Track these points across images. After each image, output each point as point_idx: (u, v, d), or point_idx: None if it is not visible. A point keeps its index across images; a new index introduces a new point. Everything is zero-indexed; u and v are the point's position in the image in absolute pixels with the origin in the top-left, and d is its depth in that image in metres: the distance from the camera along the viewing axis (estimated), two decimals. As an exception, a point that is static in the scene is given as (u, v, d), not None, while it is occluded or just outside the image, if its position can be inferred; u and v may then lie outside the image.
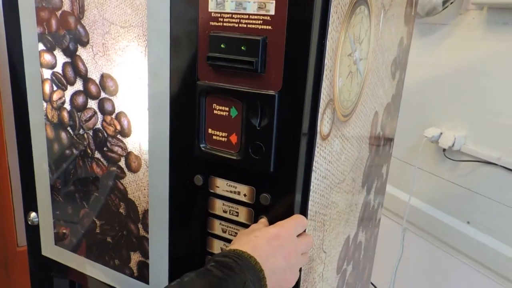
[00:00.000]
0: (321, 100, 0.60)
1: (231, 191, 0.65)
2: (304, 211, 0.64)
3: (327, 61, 0.59)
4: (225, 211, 0.67)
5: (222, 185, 0.66)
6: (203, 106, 0.64)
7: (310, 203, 0.64)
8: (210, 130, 0.65)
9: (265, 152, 0.60)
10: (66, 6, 0.72)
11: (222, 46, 0.59)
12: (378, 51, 0.81)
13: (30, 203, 0.89)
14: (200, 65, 0.62)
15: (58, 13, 0.73)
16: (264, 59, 0.57)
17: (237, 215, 0.66)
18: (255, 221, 0.65)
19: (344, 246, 0.90)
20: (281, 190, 0.62)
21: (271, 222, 0.63)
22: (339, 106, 0.68)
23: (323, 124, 0.63)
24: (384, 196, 1.29)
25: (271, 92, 0.58)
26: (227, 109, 0.62)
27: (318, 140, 0.62)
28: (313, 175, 0.63)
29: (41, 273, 0.94)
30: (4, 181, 1.69)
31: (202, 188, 0.68)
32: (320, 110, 0.60)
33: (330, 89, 0.62)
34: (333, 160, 0.71)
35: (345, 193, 0.82)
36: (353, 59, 0.70)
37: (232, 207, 0.66)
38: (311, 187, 0.63)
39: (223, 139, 0.64)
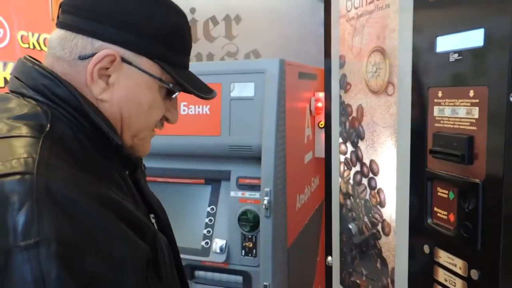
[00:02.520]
0: (531, 191, 0.65)
1: (449, 263, 0.76)
2: (517, 296, 0.67)
3: (536, 155, 0.64)
4: (445, 280, 0.78)
5: (443, 256, 0.78)
6: (430, 189, 0.80)
7: (525, 290, 0.66)
8: (435, 208, 0.79)
9: (472, 232, 0.70)
10: (354, 113, 1.06)
11: (441, 142, 0.76)
12: None
13: (328, 249, 1.24)
14: (428, 156, 0.80)
15: (350, 118, 1.08)
16: (471, 153, 0.70)
17: (455, 286, 0.75)
18: (468, 293, 0.72)
19: None
20: (488, 267, 0.68)
21: (481, 298, 0.70)
22: None
23: (540, 215, 0.65)
24: None
25: (476, 181, 0.69)
26: (446, 192, 0.76)
27: (532, 229, 0.65)
28: (528, 262, 0.66)
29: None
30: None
31: (429, 256, 0.81)
32: (530, 200, 0.65)
33: (547, 181, 0.65)
34: None
35: None
36: None
37: (450, 277, 0.76)
38: (525, 274, 0.66)
39: (444, 216, 0.77)
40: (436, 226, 0.79)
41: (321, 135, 1.96)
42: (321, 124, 1.95)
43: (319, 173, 2.09)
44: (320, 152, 1.97)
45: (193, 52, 2.81)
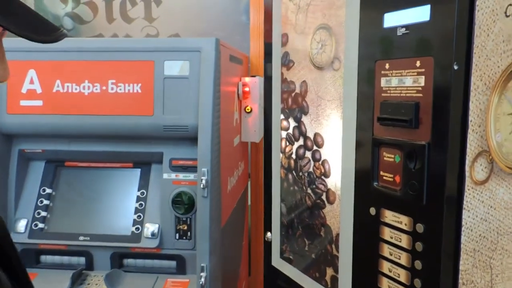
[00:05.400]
0: (469, 150, 0.73)
1: (395, 221, 0.83)
2: (457, 243, 0.75)
3: (473, 118, 0.73)
4: (391, 237, 0.85)
5: (389, 216, 0.85)
6: (377, 154, 0.86)
7: (463, 237, 0.75)
8: (381, 172, 0.86)
9: (418, 189, 0.77)
10: (297, 90, 1.09)
11: (388, 110, 0.82)
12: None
13: (267, 225, 1.26)
14: (375, 124, 0.86)
15: (292, 94, 1.11)
16: (416, 118, 0.77)
17: (400, 241, 0.83)
18: (413, 247, 0.80)
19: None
20: (432, 220, 0.76)
21: (425, 249, 0.78)
22: (501, 158, 0.78)
23: (475, 170, 0.75)
24: None
25: (422, 143, 0.76)
26: (392, 156, 0.83)
27: (469, 183, 0.75)
28: (466, 213, 0.75)
29: (270, 279, 1.28)
30: (259, 213, 2.20)
31: (375, 217, 0.88)
32: (468, 158, 0.74)
33: (482, 141, 0.75)
34: (499, 207, 0.79)
35: (527, 247, 0.85)
36: (518, 118, 0.79)
37: (396, 234, 0.83)
38: (463, 223, 0.75)
39: (390, 179, 0.84)
40: (382, 188, 0.85)
41: (248, 119, 1.98)
42: (248, 109, 1.98)
43: (244, 158, 2.12)
44: (247, 137, 1.99)
45: (109, 33, 2.63)
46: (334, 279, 1.01)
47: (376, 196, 0.87)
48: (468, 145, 0.73)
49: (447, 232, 0.75)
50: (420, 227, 0.78)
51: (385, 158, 0.85)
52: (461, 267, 0.76)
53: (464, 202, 0.75)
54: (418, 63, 0.77)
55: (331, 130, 0.99)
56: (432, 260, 0.77)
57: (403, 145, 0.80)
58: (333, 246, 1.01)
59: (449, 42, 0.72)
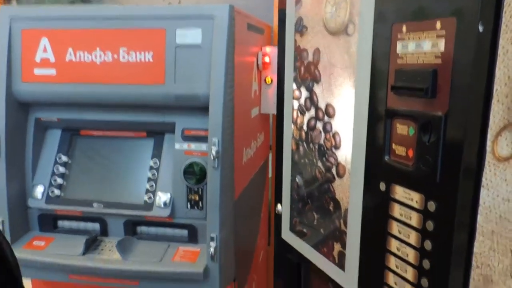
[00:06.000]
0: (492, 122, 0.66)
1: (406, 197, 0.78)
2: (472, 224, 0.69)
3: (499, 87, 0.65)
4: (401, 215, 0.79)
5: (399, 192, 0.79)
6: (390, 126, 0.80)
7: (480, 218, 0.69)
8: (393, 146, 0.80)
9: (432, 164, 0.71)
10: (310, 58, 1.03)
11: (403, 78, 0.75)
12: None
13: (278, 197, 1.23)
14: (389, 94, 0.80)
15: (305, 62, 1.05)
16: (434, 87, 0.70)
17: (410, 219, 0.77)
18: (423, 226, 0.74)
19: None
20: (445, 198, 0.70)
21: (436, 229, 0.72)
22: (528, 132, 0.70)
23: (498, 145, 0.68)
24: None
25: (439, 114, 0.69)
26: (406, 128, 0.77)
27: (491, 159, 0.68)
28: (485, 191, 0.68)
29: (281, 252, 1.25)
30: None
31: (385, 193, 0.82)
32: (491, 131, 0.66)
33: (509, 114, 0.67)
34: (523, 187, 0.72)
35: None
36: (551, 88, 0.71)
37: (406, 211, 0.78)
38: (481, 202, 0.68)
39: (403, 153, 0.78)
40: (394, 163, 0.80)
41: (268, 91, 1.92)
42: (268, 80, 1.92)
43: (264, 129, 2.07)
44: (266, 108, 1.94)
45: (132, 2, 2.59)
46: (342, 255, 0.97)
47: (387, 170, 0.81)
48: (491, 117, 0.66)
49: (461, 211, 0.69)
50: (432, 205, 0.72)
51: (398, 131, 0.78)
52: (476, 250, 0.70)
53: (483, 180, 0.68)
54: (438, 25, 0.69)
55: (343, 100, 0.93)
56: (443, 241, 0.71)
57: (418, 116, 0.73)
58: (342, 221, 0.96)
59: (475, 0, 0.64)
